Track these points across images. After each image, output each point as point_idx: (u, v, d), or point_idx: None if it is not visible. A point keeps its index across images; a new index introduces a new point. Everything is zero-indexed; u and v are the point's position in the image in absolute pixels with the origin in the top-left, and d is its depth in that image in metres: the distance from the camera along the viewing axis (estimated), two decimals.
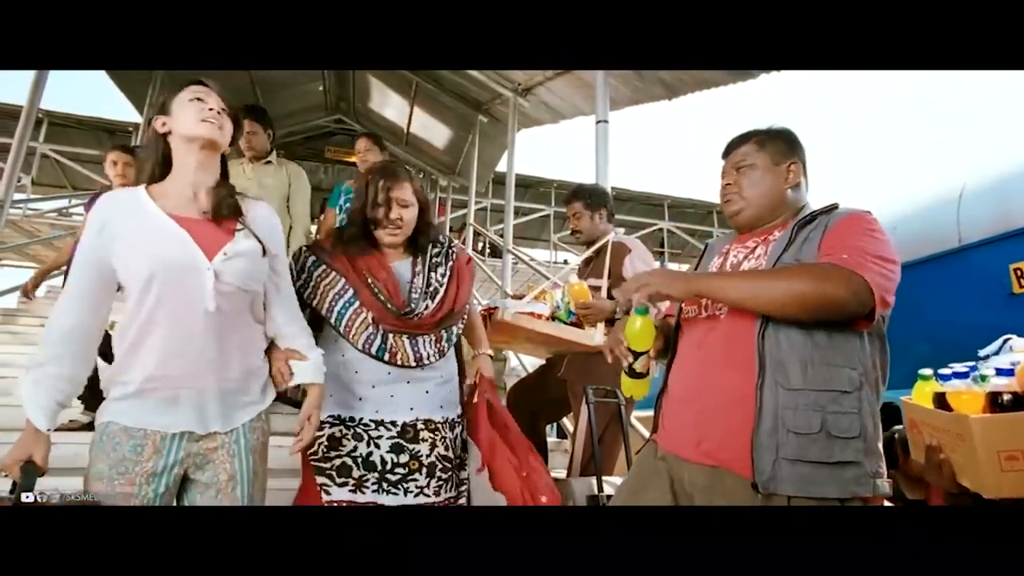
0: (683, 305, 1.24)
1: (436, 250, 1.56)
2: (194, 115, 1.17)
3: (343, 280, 1.42)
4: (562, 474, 2.32)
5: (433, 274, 1.50)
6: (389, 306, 1.39)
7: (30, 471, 1.02)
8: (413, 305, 1.42)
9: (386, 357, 1.39)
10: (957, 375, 0.93)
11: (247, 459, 1.18)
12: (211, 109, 1.18)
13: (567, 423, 3.00)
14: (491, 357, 1.60)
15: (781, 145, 1.21)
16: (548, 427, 2.73)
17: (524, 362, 4.08)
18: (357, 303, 1.39)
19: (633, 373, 1.19)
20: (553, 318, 1.95)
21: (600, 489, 1.81)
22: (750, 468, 0.99)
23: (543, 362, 2.46)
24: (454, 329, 1.50)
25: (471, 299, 1.60)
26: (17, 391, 1.12)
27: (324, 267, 1.44)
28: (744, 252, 1.20)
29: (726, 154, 1.26)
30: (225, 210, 1.18)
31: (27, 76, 4.11)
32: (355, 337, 1.39)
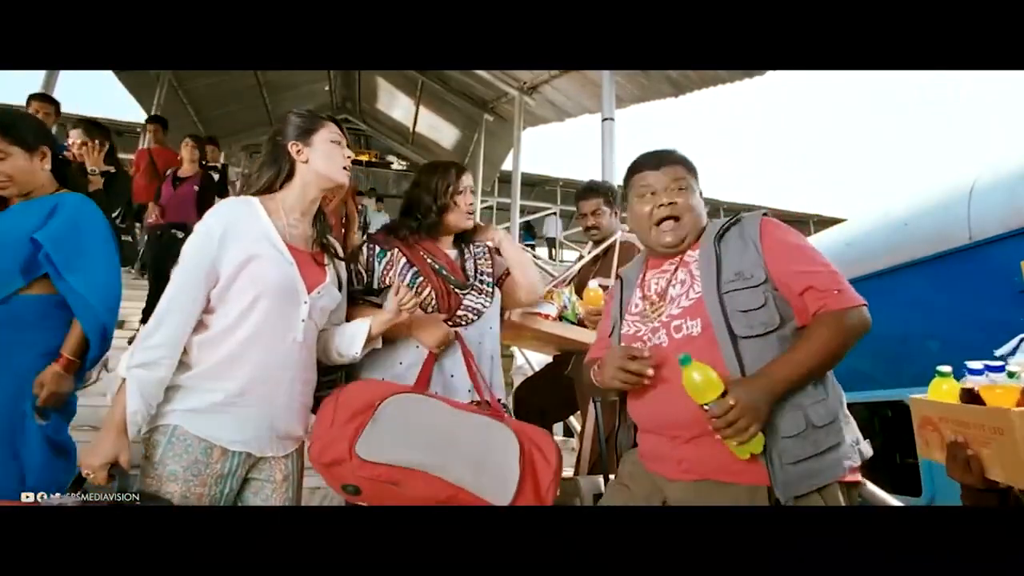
0: (625, 317, 1.23)
1: (476, 247, 1.67)
2: (339, 160, 1.24)
3: (404, 259, 1.49)
4: (569, 472, 2.32)
5: (478, 261, 1.61)
6: (451, 279, 1.49)
7: (122, 473, 1.02)
8: (470, 280, 1.52)
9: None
10: (990, 368, 0.94)
11: (296, 460, 1.24)
12: (349, 157, 1.26)
13: (574, 422, 3.01)
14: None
15: (695, 170, 1.24)
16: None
17: (531, 360, 4.08)
18: (421, 279, 1.46)
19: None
20: (560, 318, 1.94)
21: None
22: (734, 473, 1.02)
23: (550, 359, 2.46)
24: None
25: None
26: (111, 389, 1.08)
27: (387, 255, 1.50)
28: (665, 277, 1.20)
29: (657, 166, 1.21)
30: (322, 245, 1.27)
31: (38, 77, 4.16)
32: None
